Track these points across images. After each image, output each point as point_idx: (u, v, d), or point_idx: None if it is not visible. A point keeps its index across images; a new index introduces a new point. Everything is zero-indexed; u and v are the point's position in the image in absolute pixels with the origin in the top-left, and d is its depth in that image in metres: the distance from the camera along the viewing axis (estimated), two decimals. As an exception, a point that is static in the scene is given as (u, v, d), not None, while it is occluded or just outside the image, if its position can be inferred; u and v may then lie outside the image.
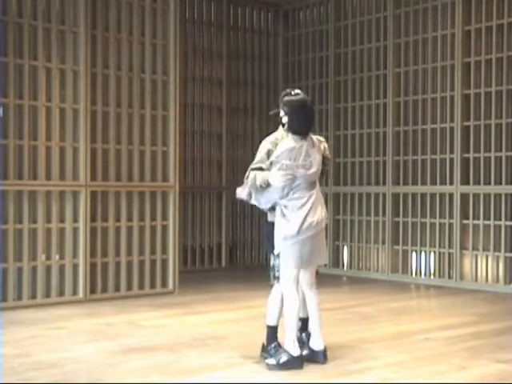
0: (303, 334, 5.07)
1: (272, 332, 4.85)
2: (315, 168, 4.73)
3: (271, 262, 4.87)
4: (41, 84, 7.04)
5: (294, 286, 4.71)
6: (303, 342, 4.97)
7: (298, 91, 4.88)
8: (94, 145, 7.39)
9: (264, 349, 4.86)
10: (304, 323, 5.11)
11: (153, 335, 5.71)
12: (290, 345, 4.64)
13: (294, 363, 4.61)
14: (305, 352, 4.80)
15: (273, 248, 4.78)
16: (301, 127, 4.72)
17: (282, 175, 4.62)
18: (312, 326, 4.82)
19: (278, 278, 4.81)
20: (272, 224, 4.81)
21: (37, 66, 7.02)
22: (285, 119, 4.76)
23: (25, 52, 6.95)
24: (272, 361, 4.65)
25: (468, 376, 4.54)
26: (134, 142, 7.69)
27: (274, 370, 4.60)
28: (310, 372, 4.60)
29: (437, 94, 9.00)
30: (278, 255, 4.75)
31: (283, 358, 4.61)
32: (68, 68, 7.22)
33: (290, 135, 4.74)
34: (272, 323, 4.87)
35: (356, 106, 9.98)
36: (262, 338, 4.92)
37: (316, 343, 4.79)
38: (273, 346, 4.79)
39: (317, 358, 4.76)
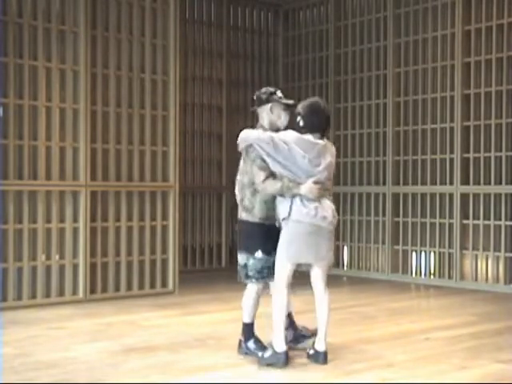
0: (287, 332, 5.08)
1: (248, 329, 4.99)
2: (323, 166, 4.75)
3: (243, 262, 4.93)
4: (41, 84, 7.04)
5: (286, 284, 4.76)
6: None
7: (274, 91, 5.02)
8: (93, 145, 7.39)
9: (241, 345, 5.01)
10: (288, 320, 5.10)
11: (153, 335, 5.71)
12: (276, 341, 4.71)
13: (277, 358, 4.68)
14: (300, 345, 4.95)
15: (250, 247, 4.89)
16: (314, 127, 4.80)
17: (287, 180, 4.68)
18: (319, 326, 4.85)
19: (250, 277, 4.90)
20: (249, 223, 4.89)
21: (37, 66, 7.02)
22: (301, 122, 4.84)
23: (25, 52, 6.95)
24: (258, 355, 4.78)
25: (468, 376, 4.54)
26: (134, 142, 7.69)
27: (261, 364, 4.70)
28: (310, 372, 4.61)
29: (437, 94, 9.00)
30: (254, 256, 4.87)
31: (267, 353, 4.74)
32: (68, 68, 7.23)
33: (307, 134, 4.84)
34: (248, 320, 5.00)
35: (356, 105, 9.98)
36: (262, 337, 4.94)
37: (319, 344, 4.82)
38: (252, 341, 4.95)
39: (317, 359, 4.80)
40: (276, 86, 10.92)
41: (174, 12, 7.95)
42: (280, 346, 4.70)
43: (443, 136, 8.94)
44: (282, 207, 4.76)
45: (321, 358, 4.77)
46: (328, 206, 4.79)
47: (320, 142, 4.80)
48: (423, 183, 9.16)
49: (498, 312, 7.05)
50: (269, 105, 4.96)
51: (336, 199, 10.15)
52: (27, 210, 6.94)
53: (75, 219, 7.26)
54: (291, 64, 10.96)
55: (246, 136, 4.82)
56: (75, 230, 7.26)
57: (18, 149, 6.91)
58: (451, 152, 8.81)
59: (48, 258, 7.09)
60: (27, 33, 6.97)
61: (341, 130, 10.16)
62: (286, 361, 4.68)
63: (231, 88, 10.59)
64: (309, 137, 4.79)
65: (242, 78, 10.76)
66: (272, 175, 4.77)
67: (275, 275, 4.80)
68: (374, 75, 9.75)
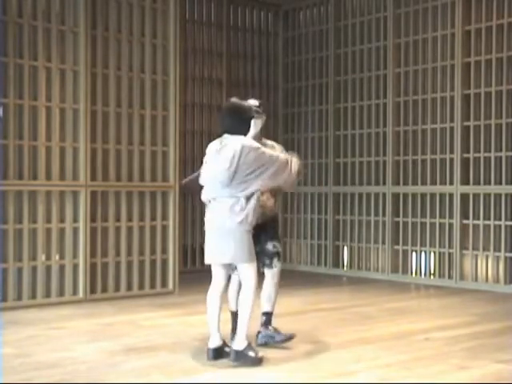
0: (270, 327, 5.24)
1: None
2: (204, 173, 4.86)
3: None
4: (41, 84, 7.05)
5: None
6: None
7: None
8: (93, 145, 7.39)
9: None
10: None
11: (153, 335, 5.71)
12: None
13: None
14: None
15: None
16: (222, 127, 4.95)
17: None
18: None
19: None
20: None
21: (37, 66, 7.02)
22: None
23: (25, 52, 6.96)
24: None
25: (467, 376, 4.54)
26: (134, 142, 7.69)
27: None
28: (310, 372, 4.60)
29: (437, 94, 9.00)
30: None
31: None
32: (68, 68, 7.23)
33: None
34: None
35: (356, 106, 9.98)
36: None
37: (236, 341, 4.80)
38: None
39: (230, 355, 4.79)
40: (276, 86, 10.99)
41: (174, 12, 7.96)
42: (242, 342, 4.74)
43: (443, 136, 8.94)
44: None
45: (232, 355, 4.72)
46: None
47: (219, 146, 4.80)
48: (423, 183, 9.16)
49: (498, 312, 7.05)
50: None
51: (336, 199, 10.17)
52: (27, 209, 6.94)
53: (75, 219, 7.26)
54: (291, 64, 10.95)
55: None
56: (75, 230, 7.26)
57: (17, 149, 6.91)
58: (451, 152, 8.81)
59: (48, 258, 7.10)
60: (27, 33, 6.97)
61: (341, 129, 10.16)
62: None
63: (231, 88, 10.58)
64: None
65: (242, 77, 10.76)
66: None
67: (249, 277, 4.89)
68: (373, 75, 9.75)
